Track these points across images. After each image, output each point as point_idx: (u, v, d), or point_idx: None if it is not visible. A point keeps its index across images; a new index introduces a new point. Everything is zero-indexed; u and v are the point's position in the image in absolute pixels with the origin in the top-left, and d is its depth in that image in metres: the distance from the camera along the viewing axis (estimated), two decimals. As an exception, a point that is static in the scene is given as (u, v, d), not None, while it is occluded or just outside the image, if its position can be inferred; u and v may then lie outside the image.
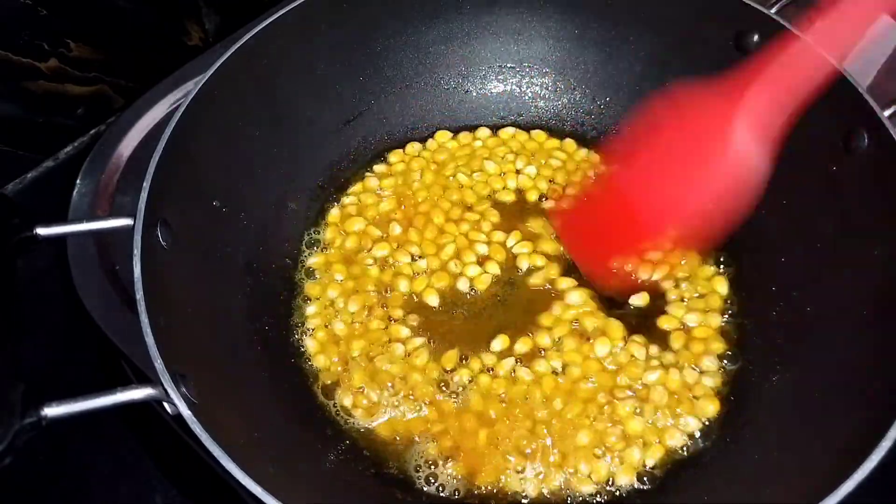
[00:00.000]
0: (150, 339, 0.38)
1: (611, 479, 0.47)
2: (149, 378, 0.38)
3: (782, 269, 0.52)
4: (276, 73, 0.54)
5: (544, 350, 0.52)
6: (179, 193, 0.46)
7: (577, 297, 0.54)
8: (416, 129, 0.63)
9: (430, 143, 0.63)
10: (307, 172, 0.59)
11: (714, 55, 0.55)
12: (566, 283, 0.54)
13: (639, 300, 0.54)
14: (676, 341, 0.52)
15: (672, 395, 0.50)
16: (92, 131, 0.70)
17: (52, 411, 0.35)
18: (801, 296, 0.50)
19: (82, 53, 0.65)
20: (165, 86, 0.65)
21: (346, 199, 0.60)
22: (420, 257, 0.56)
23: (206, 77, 0.49)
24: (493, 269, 0.55)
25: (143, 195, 0.43)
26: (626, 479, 0.47)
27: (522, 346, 0.52)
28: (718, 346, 0.52)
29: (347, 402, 0.50)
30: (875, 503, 0.37)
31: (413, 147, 0.62)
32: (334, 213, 0.59)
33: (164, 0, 0.69)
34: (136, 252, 0.41)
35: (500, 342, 0.52)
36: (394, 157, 0.62)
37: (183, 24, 0.71)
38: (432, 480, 0.48)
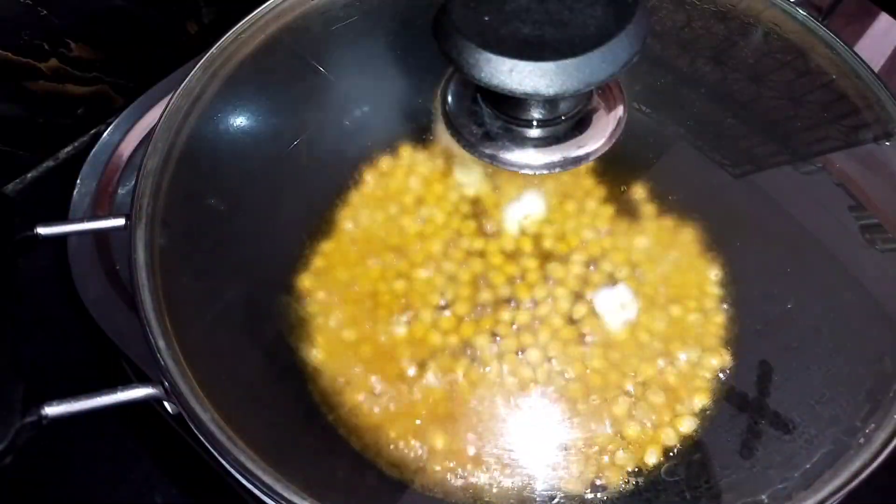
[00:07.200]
0: (150, 339, 0.38)
1: (601, 479, 0.47)
2: (149, 378, 0.39)
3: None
4: (276, 72, 0.54)
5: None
6: (178, 193, 0.46)
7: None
8: (422, 127, 0.63)
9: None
10: (308, 171, 0.59)
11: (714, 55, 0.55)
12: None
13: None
14: (672, 336, 0.52)
15: (668, 392, 0.50)
16: (92, 131, 0.70)
17: (52, 410, 0.35)
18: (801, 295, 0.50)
19: (82, 53, 0.65)
20: (165, 86, 0.65)
21: (348, 199, 0.60)
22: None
23: (207, 76, 0.49)
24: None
25: (141, 194, 0.43)
26: (617, 479, 0.47)
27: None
28: (716, 343, 0.52)
29: (349, 402, 0.50)
30: (875, 503, 0.37)
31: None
32: (337, 213, 0.59)
33: (164, 0, 0.69)
34: (136, 252, 0.41)
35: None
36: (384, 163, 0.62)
37: (183, 24, 0.72)
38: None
